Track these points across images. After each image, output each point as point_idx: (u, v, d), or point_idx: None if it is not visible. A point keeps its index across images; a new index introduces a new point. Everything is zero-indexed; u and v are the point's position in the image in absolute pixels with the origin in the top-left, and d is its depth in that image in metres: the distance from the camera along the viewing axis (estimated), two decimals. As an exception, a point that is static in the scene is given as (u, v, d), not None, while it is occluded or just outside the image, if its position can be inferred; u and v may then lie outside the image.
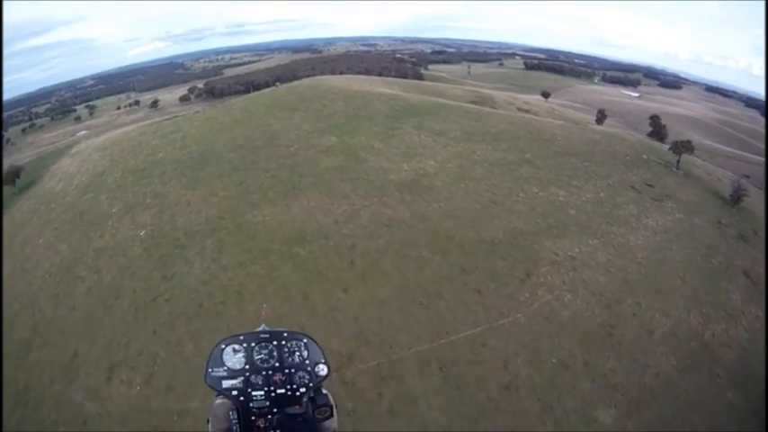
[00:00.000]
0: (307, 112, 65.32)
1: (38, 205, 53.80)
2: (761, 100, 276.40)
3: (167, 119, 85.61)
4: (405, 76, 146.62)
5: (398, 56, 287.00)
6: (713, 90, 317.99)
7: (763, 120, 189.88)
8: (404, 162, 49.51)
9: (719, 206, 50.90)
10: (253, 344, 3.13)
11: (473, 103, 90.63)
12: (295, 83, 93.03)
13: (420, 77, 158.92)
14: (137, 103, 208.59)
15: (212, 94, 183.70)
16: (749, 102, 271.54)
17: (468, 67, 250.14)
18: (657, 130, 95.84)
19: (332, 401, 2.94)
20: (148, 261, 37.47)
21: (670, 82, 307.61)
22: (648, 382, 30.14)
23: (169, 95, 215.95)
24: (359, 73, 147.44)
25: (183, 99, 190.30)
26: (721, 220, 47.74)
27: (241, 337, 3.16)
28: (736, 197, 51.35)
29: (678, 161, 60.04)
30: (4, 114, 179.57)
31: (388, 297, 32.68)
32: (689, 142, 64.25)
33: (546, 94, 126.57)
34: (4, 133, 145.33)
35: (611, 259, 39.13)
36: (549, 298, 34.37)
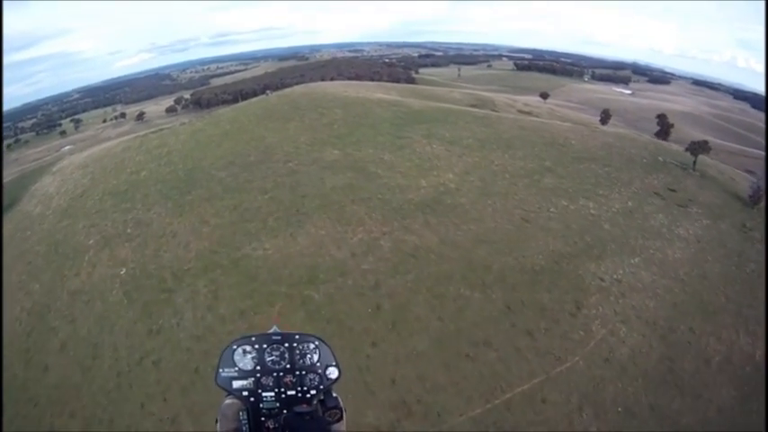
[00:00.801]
0: (302, 121, 58.35)
1: (15, 231, 46.66)
2: (748, 92, 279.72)
3: (152, 132, 77.98)
4: (397, 81, 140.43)
5: (387, 60, 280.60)
6: (700, 84, 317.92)
7: (754, 112, 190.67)
8: (420, 177, 42.86)
9: (740, 208, 47.53)
10: (264, 345, 3.01)
11: (473, 106, 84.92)
12: (286, 90, 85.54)
13: (413, 81, 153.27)
14: (123, 115, 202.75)
15: (199, 104, 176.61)
16: (737, 94, 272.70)
17: (459, 70, 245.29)
18: (665, 129, 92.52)
19: (341, 404, 2.77)
20: (130, 309, 30.29)
21: (659, 77, 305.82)
22: (712, 417, 26.03)
23: (155, 107, 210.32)
24: (349, 78, 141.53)
25: (170, 110, 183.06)
26: (745, 224, 44.25)
27: (253, 339, 3.03)
28: (756, 198, 48.07)
29: (695, 162, 56.34)
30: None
31: (427, 350, 26.13)
32: (705, 142, 60.01)
33: (544, 95, 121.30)
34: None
35: (656, 279, 34.34)
36: (604, 333, 29.11)
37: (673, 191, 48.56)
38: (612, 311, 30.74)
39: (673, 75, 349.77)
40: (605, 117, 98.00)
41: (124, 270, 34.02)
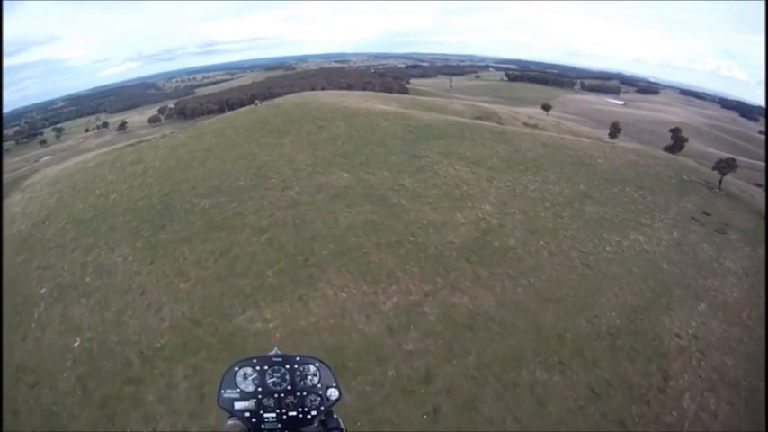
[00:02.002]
0: (299, 136, 49.44)
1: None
2: (733, 100, 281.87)
3: (130, 144, 68.41)
4: (390, 91, 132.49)
5: (374, 71, 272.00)
6: (687, 93, 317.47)
7: (744, 121, 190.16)
8: (454, 210, 34.24)
9: (770, 229, 41.92)
10: (265, 367, 2.87)
11: (478, 118, 77.31)
12: (278, 100, 75.90)
13: (406, 92, 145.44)
14: (105, 125, 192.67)
15: (183, 114, 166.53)
16: (724, 103, 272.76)
17: (450, 81, 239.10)
18: (679, 143, 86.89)
19: (342, 425, 2.75)
20: (86, 406, 20.88)
21: (648, 87, 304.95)
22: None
23: (139, 117, 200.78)
24: (340, 88, 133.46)
25: (153, 120, 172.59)
26: (781, 249, 39.00)
27: (254, 360, 2.89)
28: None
29: (720, 181, 51.31)
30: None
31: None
32: (732, 160, 54.56)
33: (546, 107, 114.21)
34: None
35: (726, 328, 28.98)
36: (695, 408, 23.24)
37: (707, 215, 43.26)
38: (697, 377, 24.92)
39: (659, 84, 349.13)
40: (615, 131, 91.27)
41: (78, 341, 24.59)
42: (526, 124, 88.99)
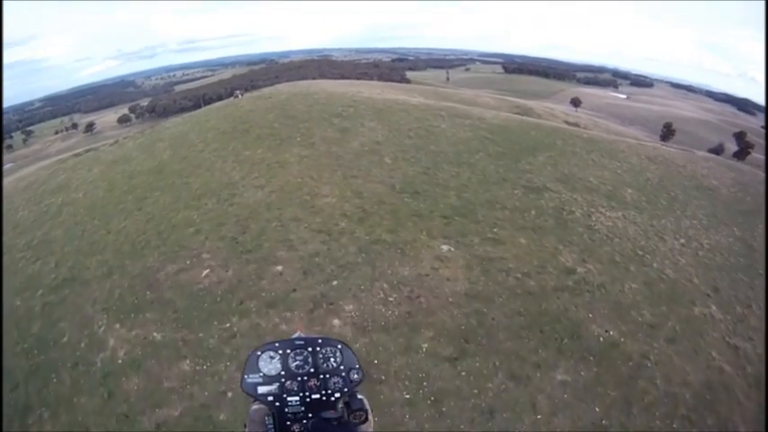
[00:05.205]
0: (311, 146, 27.42)
1: None
2: (718, 93, 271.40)
3: (76, 155, 45.76)
4: (392, 82, 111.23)
5: (364, 62, 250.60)
6: (678, 86, 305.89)
7: (745, 115, 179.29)
8: (698, 337, 13.52)
9: None
10: (288, 350, 2.56)
11: (517, 114, 57.46)
12: (266, 90, 50.65)
13: (408, 82, 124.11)
14: (74, 126, 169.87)
15: (155, 112, 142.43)
16: (715, 96, 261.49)
17: (447, 73, 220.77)
18: (744, 149, 69.70)
19: (367, 406, 2.40)
20: None
21: (641, 81, 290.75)
22: None
23: (113, 116, 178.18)
24: (334, 79, 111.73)
25: (122, 120, 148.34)
26: None
27: (276, 344, 2.58)
28: None
29: None
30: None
31: None
32: None
33: (576, 102, 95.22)
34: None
35: None
36: None
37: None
38: None
39: (647, 78, 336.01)
40: (667, 133, 72.94)
41: None
42: (567, 122, 70.01)
